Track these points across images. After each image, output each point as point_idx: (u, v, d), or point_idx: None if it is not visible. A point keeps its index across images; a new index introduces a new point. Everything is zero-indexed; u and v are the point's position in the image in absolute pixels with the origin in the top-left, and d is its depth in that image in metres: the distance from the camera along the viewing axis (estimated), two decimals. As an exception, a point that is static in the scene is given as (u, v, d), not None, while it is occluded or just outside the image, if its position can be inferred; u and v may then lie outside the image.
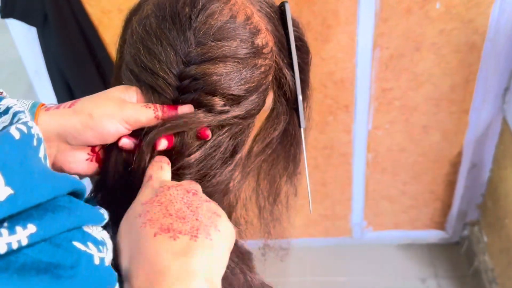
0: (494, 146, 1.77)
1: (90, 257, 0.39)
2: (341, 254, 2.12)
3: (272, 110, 0.65)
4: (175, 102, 0.55)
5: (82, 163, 0.54)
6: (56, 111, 0.52)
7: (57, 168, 0.53)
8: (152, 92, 0.55)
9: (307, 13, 1.46)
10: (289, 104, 0.65)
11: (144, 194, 0.48)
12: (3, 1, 1.41)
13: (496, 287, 1.80)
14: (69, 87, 1.56)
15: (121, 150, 0.55)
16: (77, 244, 0.38)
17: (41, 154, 0.39)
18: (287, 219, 0.81)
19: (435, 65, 1.57)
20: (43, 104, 0.53)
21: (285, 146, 0.70)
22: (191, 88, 0.54)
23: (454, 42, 1.52)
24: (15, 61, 3.50)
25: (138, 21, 0.57)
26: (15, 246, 0.34)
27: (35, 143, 0.38)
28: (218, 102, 0.55)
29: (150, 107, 0.54)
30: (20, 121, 0.38)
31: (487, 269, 1.87)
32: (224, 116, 0.56)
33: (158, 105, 0.54)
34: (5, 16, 1.42)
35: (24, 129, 0.37)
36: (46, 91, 1.67)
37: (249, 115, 0.59)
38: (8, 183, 0.34)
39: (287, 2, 0.62)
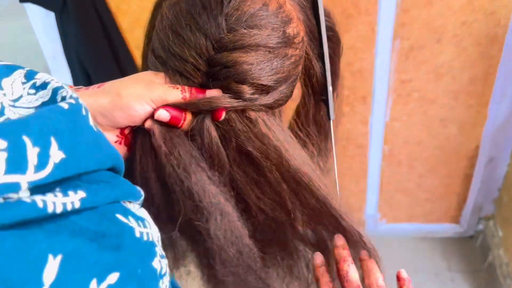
0: (513, 140, 1.75)
1: (132, 229, 0.39)
2: (354, 246, 2.11)
3: (300, 100, 0.64)
4: (204, 87, 0.54)
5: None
6: (85, 91, 0.52)
7: None
8: (180, 76, 0.54)
9: (327, 2, 1.43)
10: (316, 95, 0.64)
11: None
12: (22, -14, 1.41)
13: (511, 281, 1.79)
14: (86, 73, 1.56)
15: (147, 132, 0.54)
16: (119, 216, 0.38)
17: (91, 122, 0.40)
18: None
19: (455, 58, 1.55)
20: (71, 86, 0.53)
21: (318, 135, 0.69)
22: (221, 75, 0.53)
23: (476, 34, 1.50)
24: (32, 46, 3.52)
25: (169, 6, 0.56)
26: (69, 207, 0.34)
27: (83, 112, 0.39)
28: (247, 90, 0.54)
29: (178, 88, 0.53)
30: (66, 96, 0.39)
31: (501, 264, 1.85)
32: (250, 104, 0.55)
33: (186, 87, 0.54)
34: (24, 0, 1.42)
35: (72, 100, 0.39)
36: (63, 77, 1.67)
37: (276, 105, 0.58)
38: (60, 147, 0.35)
39: None
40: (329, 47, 0.61)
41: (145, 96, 0.52)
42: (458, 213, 2.04)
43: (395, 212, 2.06)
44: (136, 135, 0.56)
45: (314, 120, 0.67)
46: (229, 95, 0.54)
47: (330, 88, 0.62)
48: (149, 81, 0.53)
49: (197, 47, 0.53)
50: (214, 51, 0.53)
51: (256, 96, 0.55)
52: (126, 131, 0.55)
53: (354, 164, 1.88)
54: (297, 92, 0.62)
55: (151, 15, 0.62)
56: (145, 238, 0.40)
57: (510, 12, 1.45)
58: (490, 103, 1.66)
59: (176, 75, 0.54)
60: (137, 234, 0.39)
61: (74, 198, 0.35)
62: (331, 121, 0.65)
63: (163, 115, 0.53)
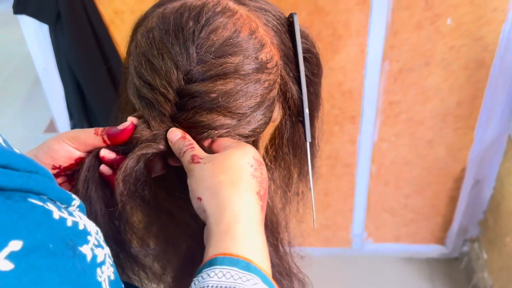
0: (498, 163, 1.77)
1: (47, 210, 0.38)
2: (339, 265, 2.12)
3: (279, 122, 0.65)
4: (173, 119, 0.55)
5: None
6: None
7: None
8: (150, 108, 0.55)
9: (319, 24, 1.46)
10: (293, 117, 0.64)
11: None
12: (17, -3, 1.42)
13: (494, 304, 1.80)
14: (78, 85, 1.57)
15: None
16: (32, 200, 0.38)
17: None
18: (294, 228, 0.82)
19: (443, 81, 1.58)
20: None
21: (294, 158, 0.70)
22: (189, 105, 0.54)
23: (464, 58, 1.53)
24: (23, 57, 3.52)
25: (142, 33, 0.57)
26: None
27: None
28: (216, 119, 0.55)
29: (97, 132, 0.56)
30: None
31: (486, 286, 1.87)
32: (225, 132, 0.56)
33: (107, 129, 0.56)
34: (18, 12, 1.43)
35: None
36: (54, 88, 1.67)
37: (254, 134, 0.59)
38: None
39: (295, 13, 0.61)
40: (307, 68, 0.62)
41: (62, 136, 0.55)
42: (444, 234, 2.05)
43: (381, 231, 2.07)
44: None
45: (292, 142, 0.67)
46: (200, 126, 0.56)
47: (306, 111, 0.62)
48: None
49: (168, 76, 0.53)
50: (184, 82, 0.53)
51: (227, 123, 0.55)
52: (62, 172, 0.58)
53: (341, 183, 1.89)
54: (276, 114, 0.62)
55: (129, 40, 0.63)
56: (68, 223, 0.40)
57: (497, 37, 1.48)
58: (476, 126, 1.69)
59: (148, 106, 0.56)
60: (55, 216, 0.39)
61: None
62: (307, 143, 0.65)
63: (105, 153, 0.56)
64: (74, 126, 1.66)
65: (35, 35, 1.56)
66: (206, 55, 0.53)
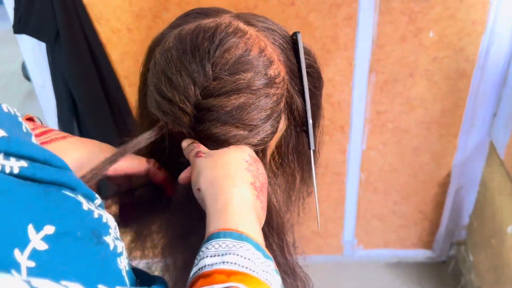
0: (481, 168, 1.85)
1: (77, 201, 0.44)
2: (331, 272, 2.16)
3: (285, 132, 0.69)
4: (193, 130, 0.61)
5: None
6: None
7: None
8: (171, 120, 0.61)
9: (308, 38, 1.53)
10: (298, 127, 0.69)
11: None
12: (16, 17, 1.46)
13: (482, 305, 1.86)
14: (74, 102, 1.60)
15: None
16: (66, 192, 0.44)
17: (24, 129, 0.49)
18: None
19: (427, 91, 1.65)
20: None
21: (298, 164, 0.75)
22: (206, 118, 0.60)
23: (446, 69, 1.60)
24: (13, 73, 3.54)
25: (161, 52, 0.62)
26: (7, 170, 0.40)
27: (19, 119, 0.49)
28: (229, 130, 0.60)
29: (148, 162, 0.67)
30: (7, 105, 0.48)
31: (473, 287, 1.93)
32: (236, 144, 0.62)
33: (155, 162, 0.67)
34: (18, 31, 1.47)
35: (11, 110, 0.49)
36: (51, 105, 1.70)
37: (263, 143, 0.64)
38: (1, 127, 0.42)
39: (299, 32, 0.66)
40: (309, 82, 0.67)
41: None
42: (431, 238, 2.12)
43: (371, 238, 2.12)
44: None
45: (296, 150, 0.72)
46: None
47: (310, 121, 0.68)
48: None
49: (186, 92, 0.59)
50: (201, 97, 0.59)
51: (240, 134, 0.61)
52: None
53: (332, 191, 1.95)
54: (282, 124, 0.67)
55: (145, 57, 0.69)
56: (95, 215, 0.45)
57: (477, 48, 1.56)
58: (460, 133, 1.76)
59: (169, 119, 0.61)
60: (85, 208, 0.44)
61: (14, 164, 0.41)
62: (311, 151, 0.70)
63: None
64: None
65: (32, 52, 1.60)
66: (221, 72, 0.58)
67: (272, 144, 0.69)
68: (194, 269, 0.48)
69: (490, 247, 1.80)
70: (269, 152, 0.69)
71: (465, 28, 1.52)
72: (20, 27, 1.46)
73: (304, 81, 0.66)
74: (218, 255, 0.47)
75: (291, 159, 0.73)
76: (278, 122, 0.64)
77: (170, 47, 0.61)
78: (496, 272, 1.75)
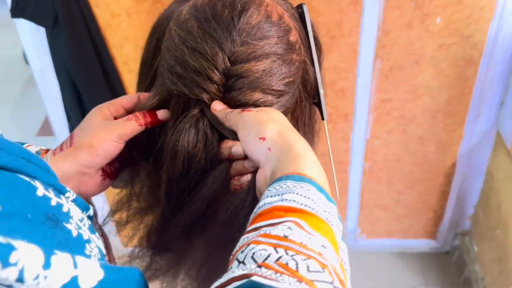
0: (487, 158, 1.82)
1: (31, 186, 0.43)
2: (334, 261, 2.15)
3: (295, 105, 0.67)
4: (222, 101, 0.58)
5: (100, 184, 0.62)
6: (63, 153, 0.59)
7: (84, 198, 0.60)
8: (198, 90, 0.58)
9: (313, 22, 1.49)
10: (310, 99, 0.68)
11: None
12: (14, 0, 1.43)
13: (485, 296, 1.85)
14: (75, 87, 1.58)
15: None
16: (19, 175, 0.42)
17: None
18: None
19: (433, 78, 1.62)
20: (46, 151, 0.61)
21: (311, 138, 0.74)
22: (236, 86, 0.58)
23: (453, 56, 1.57)
24: (15, 59, 3.53)
25: (178, 25, 0.60)
26: None
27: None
28: (259, 96, 0.58)
29: (131, 119, 0.61)
30: None
31: (477, 278, 1.91)
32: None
33: (138, 114, 0.61)
34: (16, 15, 1.44)
35: None
36: (51, 91, 1.68)
37: (286, 113, 0.62)
38: None
39: (304, 4, 0.66)
40: (316, 54, 0.66)
41: (111, 137, 0.60)
42: (435, 229, 2.10)
43: (374, 227, 2.11)
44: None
45: (307, 122, 0.70)
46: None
47: (321, 91, 0.67)
48: (106, 123, 0.61)
49: (214, 59, 0.57)
50: (230, 64, 0.57)
51: (269, 100, 0.59)
52: (106, 168, 0.63)
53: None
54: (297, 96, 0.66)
55: (152, 36, 0.65)
56: (53, 203, 0.44)
57: (485, 35, 1.52)
58: (466, 122, 1.73)
59: (195, 89, 0.58)
60: (39, 193, 0.43)
61: None
62: (325, 121, 0.69)
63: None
64: (72, 128, 1.67)
65: (31, 38, 1.58)
66: (248, 37, 0.57)
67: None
68: (255, 210, 0.48)
69: (495, 238, 1.78)
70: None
71: (473, 14, 1.48)
72: (17, 11, 1.43)
73: (313, 52, 0.65)
74: (278, 195, 0.46)
75: (306, 131, 0.72)
76: (296, 91, 0.63)
77: (188, 19, 0.59)
78: (500, 263, 1.73)
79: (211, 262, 0.66)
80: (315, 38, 0.67)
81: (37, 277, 0.34)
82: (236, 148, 0.57)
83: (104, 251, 0.51)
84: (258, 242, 0.42)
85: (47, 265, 0.35)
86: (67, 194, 0.48)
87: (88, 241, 0.46)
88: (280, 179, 0.48)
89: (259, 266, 0.39)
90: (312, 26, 0.67)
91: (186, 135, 0.59)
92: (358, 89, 1.65)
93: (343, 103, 1.69)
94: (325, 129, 0.70)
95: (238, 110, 0.57)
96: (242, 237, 0.45)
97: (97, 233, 0.51)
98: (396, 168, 1.89)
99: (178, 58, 0.59)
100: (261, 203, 0.47)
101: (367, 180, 1.93)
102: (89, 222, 0.51)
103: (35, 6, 1.42)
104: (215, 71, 0.57)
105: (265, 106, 0.59)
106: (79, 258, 0.38)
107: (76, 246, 0.44)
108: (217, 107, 0.58)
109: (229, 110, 0.57)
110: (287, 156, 0.51)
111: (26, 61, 3.03)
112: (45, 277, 0.35)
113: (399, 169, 1.89)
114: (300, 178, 0.48)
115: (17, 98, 3.22)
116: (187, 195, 0.62)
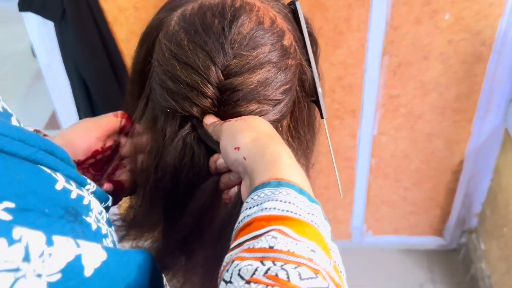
0: (496, 156, 1.81)
1: (51, 178, 0.42)
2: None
3: (294, 105, 0.66)
4: (216, 115, 0.57)
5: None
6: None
7: None
8: (189, 106, 0.57)
9: (320, 19, 1.49)
10: (308, 98, 0.66)
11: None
12: (21, -6, 1.44)
13: (492, 294, 1.84)
14: (84, 81, 1.58)
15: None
16: (41, 166, 0.42)
17: (1, 109, 0.47)
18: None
19: (442, 75, 1.61)
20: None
21: (311, 137, 0.72)
22: (231, 99, 0.56)
23: (462, 52, 1.55)
24: (22, 54, 3.53)
25: (168, 38, 0.58)
26: None
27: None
28: (256, 108, 0.57)
29: (117, 116, 0.65)
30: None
31: (484, 276, 1.90)
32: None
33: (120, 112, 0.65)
34: (24, 9, 1.44)
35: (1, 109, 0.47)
36: (58, 85, 1.69)
37: (283, 118, 0.61)
38: None
39: (297, 0, 0.64)
40: (312, 50, 0.64)
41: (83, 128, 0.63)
42: (442, 226, 2.09)
43: (380, 224, 2.10)
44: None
45: (306, 122, 0.69)
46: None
47: (319, 90, 0.65)
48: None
49: (207, 74, 0.55)
50: (224, 77, 0.55)
51: (265, 109, 0.58)
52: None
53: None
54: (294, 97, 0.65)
55: (141, 47, 0.64)
56: (73, 195, 0.43)
57: (494, 32, 1.51)
58: (474, 119, 1.71)
59: (189, 106, 0.57)
60: (58, 187, 0.42)
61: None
62: (325, 120, 0.67)
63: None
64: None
65: (39, 32, 1.58)
66: (240, 48, 0.55)
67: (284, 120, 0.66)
68: (236, 225, 0.46)
69: (502, 236, 1.77)
70: (285, 126, 0.66)
71: (482, 10, 1.47)
72: (25, 5, 1.43)
73: (309, 50, 0.63)
74: (257, 205, 0.44)
75: (306, 131, 0.70)
76: (293, 95, 0.62)
77: (177, 31, 0.57)
78: (508, 261, 1.72)
79: (211, 280, 0.64)
80: (310, 34, 0.66)
81: (42, 254, 0.33)
82: (220, 161, 0.56)
83: (118, 246, 0.51)
84: (243, 258, 0.40)
85: (49, 242, 0.34)
86: (87, 187, 0.47)
87: (106, 235, 0.45)
88: (256, 188, 0.46)
89: (248, 282, 0.37)
90: (307, 22, 0.65)
91: (173, 150, 0.58)
92: (365, 85, 1.64)
93: (351, 99, 1.68)
94: (325, 127, 0.68)
95: (221, 122, 0.55)
96: (226, 256, 0.43)
97: (113, 227, 0.51)
98: (403, 165, 1.88)
99: (170, 73, 0.57)
100: (241, 217, 0.46)
101: (373, 176, 1.92)
102: (107, 215, 0.50)
103: (42, 0, 1.42)
104: (209, 85, 0.55)
105: (262, 115, 0.57)
106: (80, 241, 0.37)
107: (94, 241, 0.42)
108: (208, 121, 0.57)
109: (218, 123, 0.56)
110: (261, 163, 0.49)
111: (34, 55, 3.03)
112: (50, 255, 0.34)
113: (406, 166, 1.88)
114: (277, 183, 0.46)
115: (24, 92, 3.23)
116: (181, 210, 0.61)
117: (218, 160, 0.56)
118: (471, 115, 1.71)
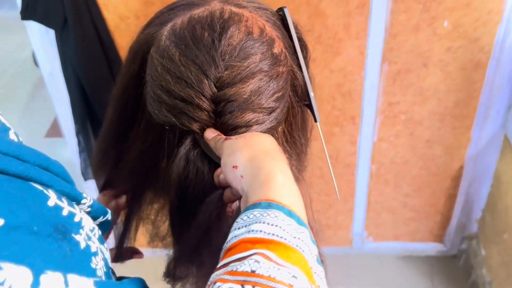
0: (495, 161, 1.81)
1: (43, 194, 0.43)
2: (340, 264, 2.15)
3: (287, 111, 0.67)
4: (215, 127, 0.58)
5: None
6: None
7: None
8: (188, 120, 0.58)
9: (320, 27, 1.50)
10: (300, 103, 0.67)
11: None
12: (24, 3, 1.45)
13: (493, 300, 1.84)
14: (83, 90, 1.59)
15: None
16: (34, 184, 0.42)
17: (12, 137, 0.46)
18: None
19: (441, 81, 1.62)
20: None
21: (305, 141, 0.73)
22: (226, 110, 0.57)
23: (460, 59, 1.56)
24: (24, 62, 3.55)
25: (159, 53, 0.58)
26: None
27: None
28: (251, 117, 0.58)
29: None
30: None
31: (484, 282, 1.90)
32: (257, 128, 0.59)
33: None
34: (26, 18, 1.46)
35: None
36: (60, 93, 1.70)
37: (278, 125, 0.62)
38: None
39: (285, 7, 0.65)
40: (302, 55, 0.66)
41: None
42: (442, 232, 2.09)
43: (381, 230, 2.10)
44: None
45: (300, 126, 0.70)
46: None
47: (312, 94, 0.66)
48: None
49: (200, 87, 0.56)
50: (217, 89, 0.56)
51: (261, 118, 0.59)
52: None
53: (342, 183, 1.93)
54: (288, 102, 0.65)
55: (131, 62, 0.65)
56: (64, 213, 0.43)
57: (493, 39, 1.52)
58: (473, 125, 1.72)
59: (187, 120, 0.58)
60: (50, 203, 0.42)
61: None
62: (318, 123, 0.68)
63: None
64: (78, 130, 1.68)
65: (41, 40, 1.59)
66: (231, 59, 0.56)
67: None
68: (224, 245, 0.47)
69: (502, 242, 1.77)
70: (280, 132, 0.67)
71: (481, 18, 1.48)
72: (27, 13, 1.45)
73: (299, 55, 0.64)
74: (245, 226, 0.45)
75: (300, 135, 0.71)
76: (287, 101, 0.63)
77: (168, 46, 0.58)
78: (508, 267, 1.72)
79: None
80: (300, 39, 0.66)
81: None
82: (222, 176, 0.57)
83: (110, 263, 0.51)
84: (225, 281, 0.40)
85: (35, 284, 0.34)
86: (83, 201, 0.47)
87: (95, 253, 0.45)
88: (247, 208, 0.47)
89: None
90: (296, 27, 0.66)
91: (177, 168, 0.59)
92: (365, 92, 1.65)
93: (350, 106, 1.69)
94: (319, 131, 0.69)
95: (223, 139, 0.56)
96: (212, 275, 0.44)
97: (105, 244, 0.51)
98: (403, 171, 1.88)
99: (164, 88, 0.58)
100: (229, 237, 0.46)
101: (374, 183, 1.92)
102: (99, 233, 0.50)
103: (45, 9, 1.43)
104: (203, 98, 0.56)
105: (258, 124, 0.58)
106: (71, 277, 0.37)
107: (82, 259, 0.43)
108: (209, 135, 0.58)
109: (220, 137, 0.57)
110: (255, 183, 0.50)
111: (36, 63, 3.05)
112: None
113: (406, 172, 1.89)
114: (267, 204, 0.46)
115: (26, 100, 3.25)
116: (189, 222, 0.63)
117: (220, 175, 0.57)
118: (470, 121, 1.72)
